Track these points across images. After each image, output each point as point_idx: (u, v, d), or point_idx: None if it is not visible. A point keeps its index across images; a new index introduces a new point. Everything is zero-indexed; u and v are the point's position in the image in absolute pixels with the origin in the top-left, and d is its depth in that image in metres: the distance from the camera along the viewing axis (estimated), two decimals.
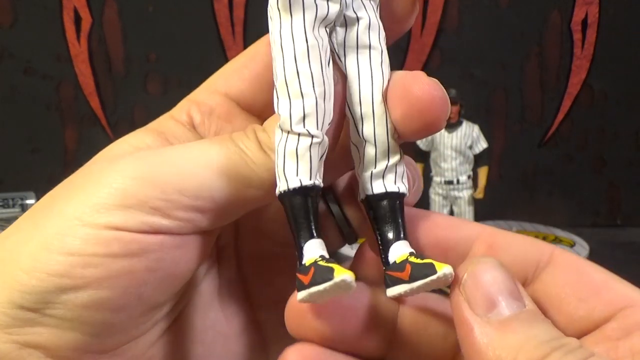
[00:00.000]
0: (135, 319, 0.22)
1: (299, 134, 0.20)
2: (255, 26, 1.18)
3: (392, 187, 0.22)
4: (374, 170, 0.22)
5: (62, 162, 1.23)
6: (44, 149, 1.23)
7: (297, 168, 0.20)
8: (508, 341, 0.19)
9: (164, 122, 0.25)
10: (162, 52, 1.20)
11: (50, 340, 0.21)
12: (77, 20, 1.18)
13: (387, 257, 0.21)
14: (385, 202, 0.22)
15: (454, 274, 0.20)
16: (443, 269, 0.20)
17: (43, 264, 0.20)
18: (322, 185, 0.21)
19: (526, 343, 0.18)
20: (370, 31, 0.22)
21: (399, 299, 0.23)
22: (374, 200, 0.22)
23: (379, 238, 0.22)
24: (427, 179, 1.11)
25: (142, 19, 1.18)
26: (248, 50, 0.26)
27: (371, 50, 0.22)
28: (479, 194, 1.09)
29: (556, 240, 1.15)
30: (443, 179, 1.09)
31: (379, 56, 0.22)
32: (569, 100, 1.23)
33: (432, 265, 0.20)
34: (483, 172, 1.09)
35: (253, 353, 0.28)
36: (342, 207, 0.28)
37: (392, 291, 0.20)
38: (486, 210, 1.15)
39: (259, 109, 0.26)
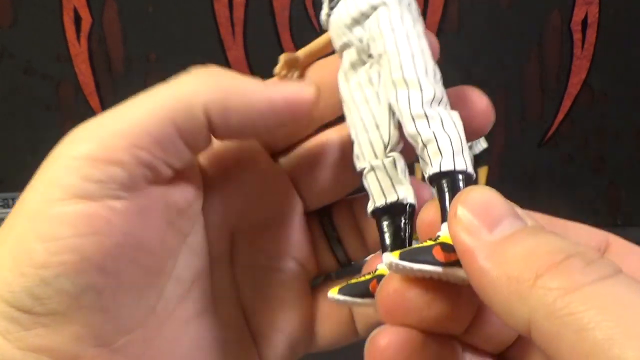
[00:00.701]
0: (126, 297, 0.22)
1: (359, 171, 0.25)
2: (255, 26, 1.18)
3: (434, 169, 0.22)
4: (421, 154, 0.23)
5: None
6: (44, 149, 1.23)
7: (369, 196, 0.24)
8: (511, 253, 0.16)
9: None
10: (162, 52, 1.20)
11: (51, 339, 0.20)
12: (77, 20, 1.18)
13: None
14: (433, 183, 0.22)
15: (397, 262, 0.18)
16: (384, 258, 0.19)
17: (22, 258, 0.20)
18: (399, 199, 0.24)
19: (533, 251, 0.16)
20: (374, 42, 0.24)
21: None
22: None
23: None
24: None
25: (142, 19, 1.18)
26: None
27: (381, 59, 0.24)
28: None
29: None
30: None
31: (387, 64, 0.23)
32: (569, 100, 1.23)
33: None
34: (483, 172, 1.09)
35: None
36: (338, 231, 0.29)
37: None
38: None
39: None
